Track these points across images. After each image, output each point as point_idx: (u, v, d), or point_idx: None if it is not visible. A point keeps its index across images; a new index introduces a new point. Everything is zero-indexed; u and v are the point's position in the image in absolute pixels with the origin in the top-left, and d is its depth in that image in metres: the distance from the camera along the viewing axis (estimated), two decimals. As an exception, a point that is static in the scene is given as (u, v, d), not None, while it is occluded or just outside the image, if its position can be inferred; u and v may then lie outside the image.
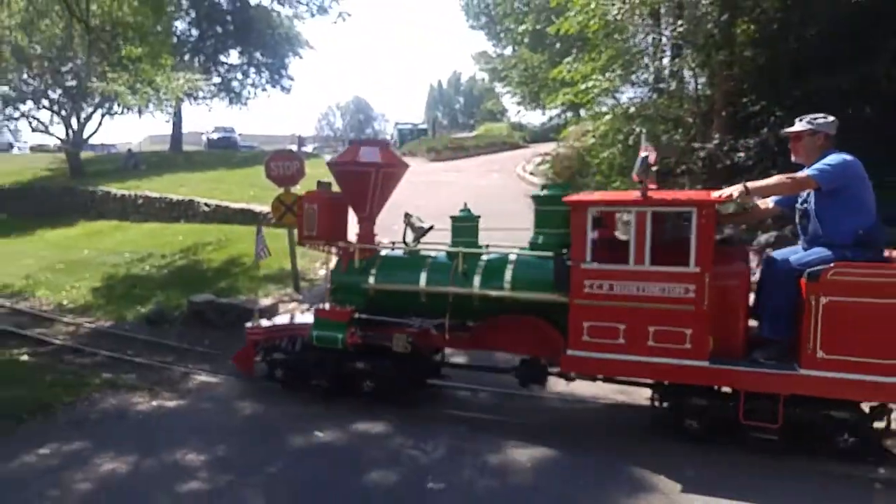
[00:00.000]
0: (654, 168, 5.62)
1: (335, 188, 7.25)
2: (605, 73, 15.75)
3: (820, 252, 5.30)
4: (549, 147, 27.04)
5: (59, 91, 31.18)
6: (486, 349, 6.82)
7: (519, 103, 32.81)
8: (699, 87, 16.45)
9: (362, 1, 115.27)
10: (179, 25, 37.36)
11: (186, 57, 38.25)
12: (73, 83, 30.69)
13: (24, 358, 8.60)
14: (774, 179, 5.58)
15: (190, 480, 5.09)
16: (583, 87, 15.93)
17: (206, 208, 19.62)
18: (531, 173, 24.29)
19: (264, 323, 7.35)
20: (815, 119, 5.54)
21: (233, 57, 43.31)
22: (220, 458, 5.48)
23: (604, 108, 17.38)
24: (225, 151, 38.24)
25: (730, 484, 4.80)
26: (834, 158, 5.31)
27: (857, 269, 5.03)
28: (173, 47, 25.45)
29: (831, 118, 5.56)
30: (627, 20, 15.48)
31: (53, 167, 34.37)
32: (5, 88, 30.99)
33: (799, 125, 5.58)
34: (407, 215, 6.95)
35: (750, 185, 5.44)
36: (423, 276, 6.49)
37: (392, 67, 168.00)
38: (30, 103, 31.75)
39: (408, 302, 6.64)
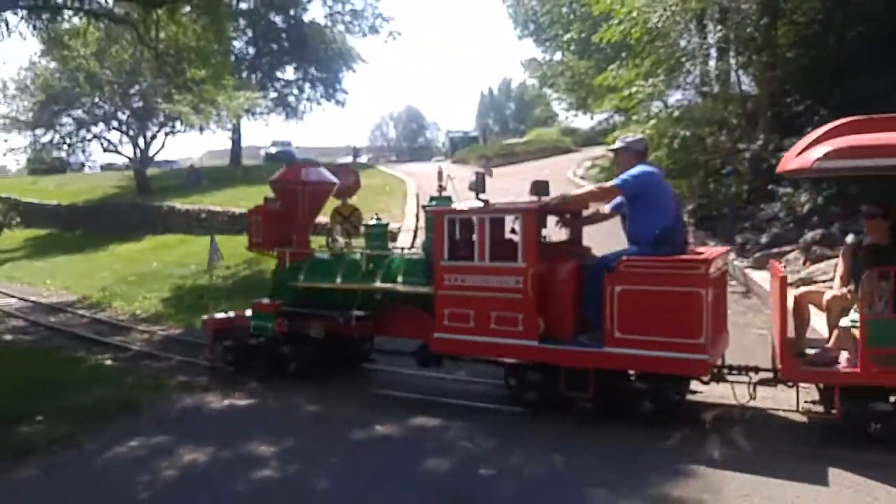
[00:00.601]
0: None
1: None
2: (648, 78, 15.99)
3: (628, 249, 6.34)
4: (599, 151, 27.24)
5: (127, 113, 32.66)
6: (385, 335, 7.99)
7: (567, 109, 32.96)
8: (743, 88, 16.56)
9: (412, 11, 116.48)
10: (237, 44, 38.67)
11: (244, 74, 39.56)
12: (140, 104, 32.17)
13: (108, 362, 9.36)
14: (588, 189, 6.96)
15: (262, 469, 5.64)
16: (626, 92, 16.19)
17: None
18: (581, 178, 24.55)
19: (218, 315, 8.90)
20: (627, 139, 6.80)
21: (288, 73, 44.62)
22: (289, 450, 6.02)
23: (652, 111, 17.59)
24: (283, 165, 39.31)
25: (761, 466, 5.10)
26: (636, 170, 6.34)
27: (641, 262, 6.00)
28: (231, 66, 26.55)
29: (640, 137, 6.98)
30: (669, 26, 15.69)
31: (122, 184, 35.94)
32: (79, 112, 32.64)
33: (616, 144, 6.82)
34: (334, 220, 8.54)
35: (567, 195, 6.76)
36: (339, 276, 7.78)
37: (444, 76, 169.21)
38: (101, 125, 33.31)
39: (328, 296, 7.89)
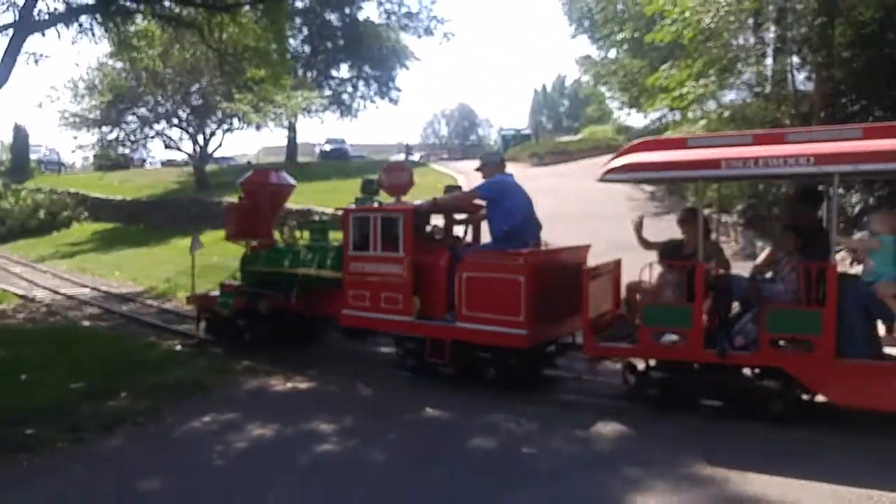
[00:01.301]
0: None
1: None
2: (699, 79, 16.03)
3: (485, 244, 7.93)
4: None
5: (187, 110, 33.75)
6: (319, 312, 9.29)
7: (619, 108, 32.85)
8: (797, 88, 16.47)
9: (465, 8, 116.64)
10: (292, 42, 39.44)
11: (300, 72, 40.39)
12: (200, 102, 33.23)
13: (178, 348, 10.03)
14: (454, 194, 8.47)
15: (323, 444, 6.15)
16: (676, 93, 16.26)
17: (324, 216, 21.03)
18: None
19: (198, 293, 10.65)
20: (483, 157, 8.36)
21: (343, 71, 45.34)
22: (347, 428, 6.52)
23: (706, 110, 17.57)
24: (337, 162, 40.14)
25: (787, 457, 5.40)
26: (492, 179, 7.80)
27: (480, 254, 7.55)
28: (289, 65, 27.24)
29: (495, 152, 9.21)
30: (723, 26, 15.72)
31: (182, 180, 37.23)
32: (143, 110, 33.88)
33: (478, 163, 8.23)
34: (286, 221, 10.20)
35: (439, 198, 8.20)
36: (286, 263, 9.39)
37: (497, 73, 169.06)
38: (163, 123, 34.46)
39: (277, 280, 9.46)
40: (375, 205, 8.51)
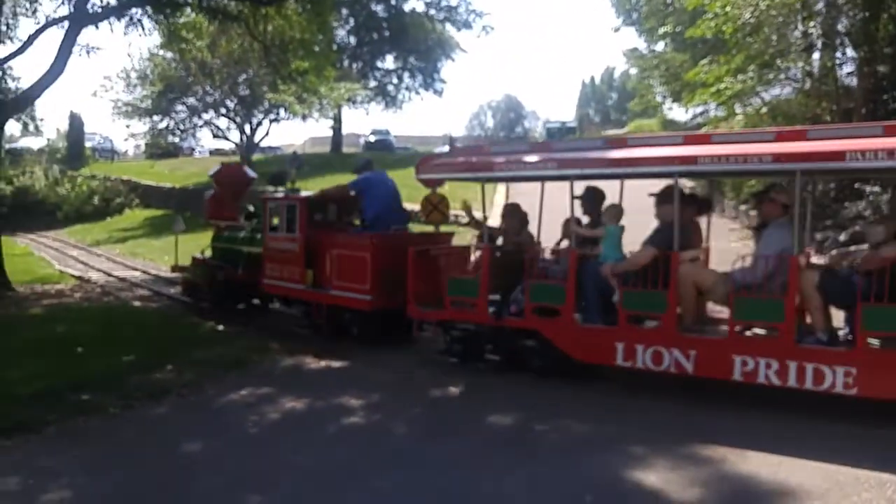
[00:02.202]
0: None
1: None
2: (738, 74, 16.02)
3: (357, 228, 9.66)
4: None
5: (234, 100, 34.58)
6: (257, 281, 10.51)
7: (661, 103, 32.63)
8: (840, 83, 16.34)
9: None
10: (339, 33, 39.96)
11: (345, 63, 40.94)
12: (247, 92, 34.04)
13: (220, 328, 10.62)
14: (334, 187, 10.56)
15: (350, 416, 6.62)
16: (713, 89, 16.26)
17: None
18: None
19: (180, 264, 12.79)
20: (355, 162, 10.14)
21: (388, 62, 45.70)
22: (373, 403, 6.97)
23: (747, 108, 17.51)
24: (381, 153, 40.64)
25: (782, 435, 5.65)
26: (360, 176, 9.50)
27: (345, 236, 9.33)
28: (334, 56, 27.74)
29: (363, 158, 10.90)
30: (765, 20, 15.64)
31: (229, 169, 38.03)
32: (192, 100, 34.85)
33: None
34: (247, 207, 11.98)
35: (325, 190, 10.39)
36: (238, 241, 11.38)
37: (545, 64, 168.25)
38: (211, 112, 35.38)
39: (234, 255, 11.40)
40: (303, 194, 10.13)
